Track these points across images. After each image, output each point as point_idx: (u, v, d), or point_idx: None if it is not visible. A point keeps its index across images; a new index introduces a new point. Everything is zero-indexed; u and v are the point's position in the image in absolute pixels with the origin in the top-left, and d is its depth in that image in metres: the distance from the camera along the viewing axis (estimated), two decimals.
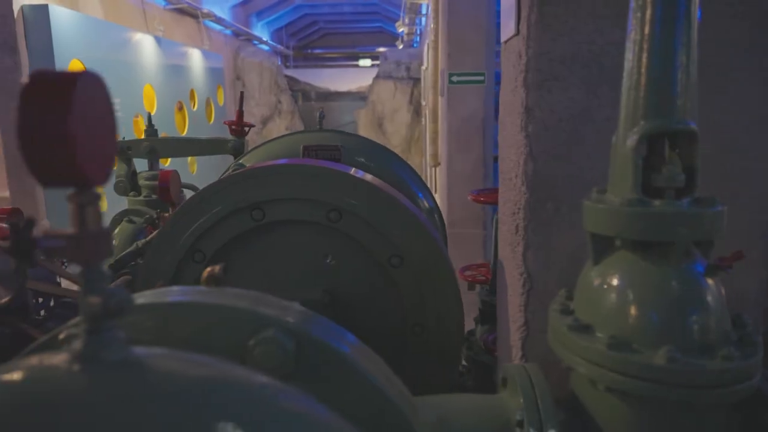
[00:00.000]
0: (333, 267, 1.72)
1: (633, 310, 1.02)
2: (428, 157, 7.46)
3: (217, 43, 11.42)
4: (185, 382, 0.58)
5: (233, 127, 2.80)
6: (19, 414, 0.52)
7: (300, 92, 13.94)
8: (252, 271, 1.71)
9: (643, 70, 1.01)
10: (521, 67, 1.29)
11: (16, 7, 5.51)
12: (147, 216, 2.65)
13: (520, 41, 1.29)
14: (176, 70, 8.88)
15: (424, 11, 10.38)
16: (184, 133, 9.18)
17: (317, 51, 24.24)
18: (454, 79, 5.15)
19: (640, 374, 0.97)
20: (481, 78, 5.14)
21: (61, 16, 5.70)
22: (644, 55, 1.00)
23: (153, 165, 2.90)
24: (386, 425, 0.88)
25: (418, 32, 13.45)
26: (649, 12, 1.01)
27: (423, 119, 9.91)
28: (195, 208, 1.66)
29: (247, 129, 2.84)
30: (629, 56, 1.02)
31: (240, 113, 2.82)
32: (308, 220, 1.66)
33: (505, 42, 1.42)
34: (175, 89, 8.84)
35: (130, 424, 0.51)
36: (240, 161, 2.12)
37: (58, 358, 0.59)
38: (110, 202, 6.77)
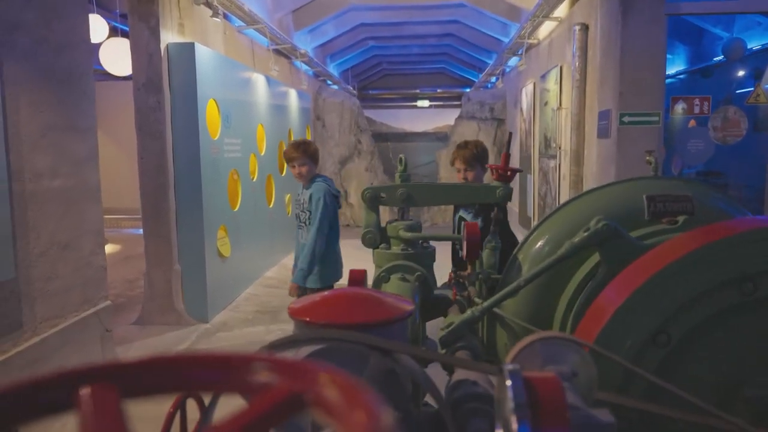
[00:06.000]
0: None
1: None
2: None
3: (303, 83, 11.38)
4: None
5: (500, 171, 2.46)
6: None
7: (374, 132, 13.83)
8: (722, 355, 1.36)
9: None
10: None
11: (162, 45, 5.40)
12: (418, 273, 2.33)
13: None
14: (280, 110, 8.78)
15: (521, 51, 10.15)
16: (283, 174, 9.02)
17: (375, 92, 24.36)
18: (626, 119, 4.81)
19: None
20: (656, 118, 4.79)
21: (204, 55, 5.57)
22: None
23: (404, 214, 2.58)
24: None
25: (501, 73, 13.24)
26: None
27: (535, 162, 9.56)
28: (666, 281, 1.32)
29: (512, 174, 2.50)
30: None
31: (507, 156, 2.48)
32: None
33: None
34: (278, 129, 8.73)
35: None
36: (600, 221, 1.76)
37: None
38: (233, 244, 6.53)
